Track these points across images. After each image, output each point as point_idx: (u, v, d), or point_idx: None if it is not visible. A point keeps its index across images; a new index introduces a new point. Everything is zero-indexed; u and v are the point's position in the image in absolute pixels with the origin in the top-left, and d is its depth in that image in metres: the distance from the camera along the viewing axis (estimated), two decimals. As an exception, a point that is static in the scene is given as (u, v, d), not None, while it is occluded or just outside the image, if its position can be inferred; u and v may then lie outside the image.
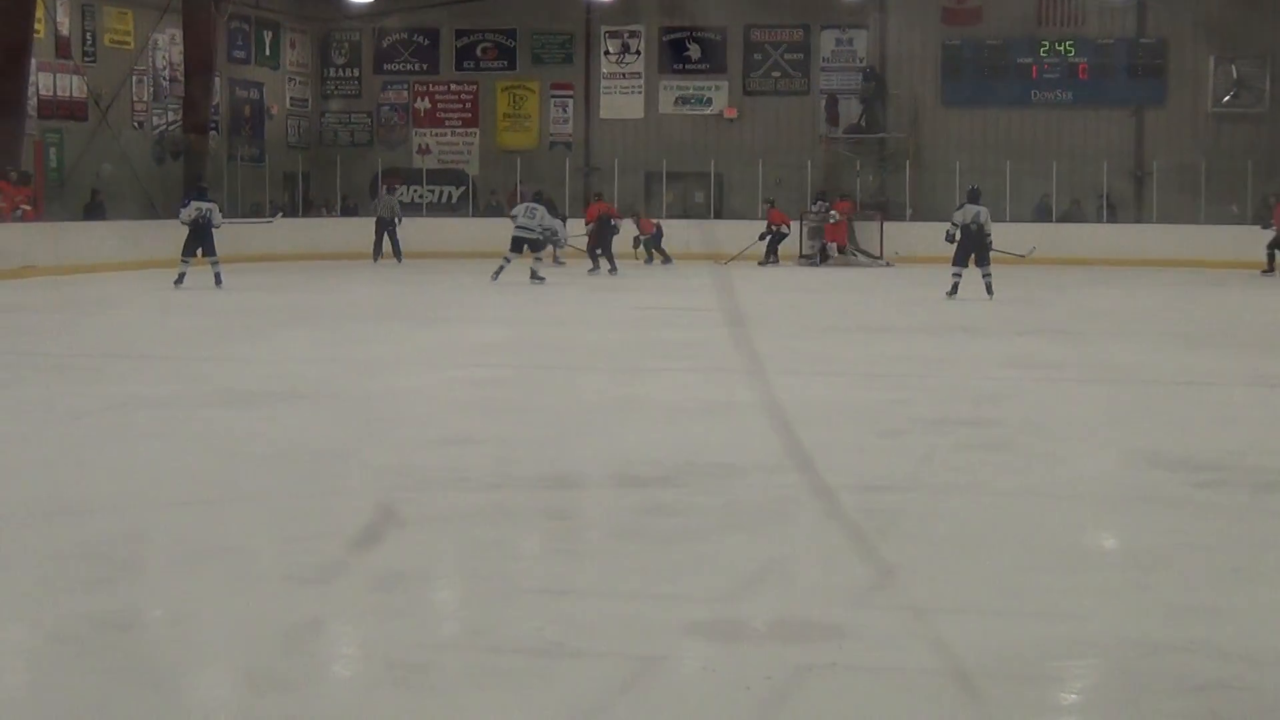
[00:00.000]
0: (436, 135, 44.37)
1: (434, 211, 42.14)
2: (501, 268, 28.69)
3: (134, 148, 36.59)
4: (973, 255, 24.78)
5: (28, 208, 28.82)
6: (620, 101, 43.40)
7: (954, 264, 25.02)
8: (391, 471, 10.03)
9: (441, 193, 43.09)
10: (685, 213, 40.58)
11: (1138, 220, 39.42)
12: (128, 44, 36.76)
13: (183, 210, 27.23)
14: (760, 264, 35.82)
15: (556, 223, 29.57)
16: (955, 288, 24.77)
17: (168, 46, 38.13)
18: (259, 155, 41.55)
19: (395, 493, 9.36)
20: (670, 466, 10.05)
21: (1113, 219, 39.36)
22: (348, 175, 41.43)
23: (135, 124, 37.37)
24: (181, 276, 26.22)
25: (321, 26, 44.55)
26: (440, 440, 11.27)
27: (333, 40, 44.88)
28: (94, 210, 34.42)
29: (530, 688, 5.74)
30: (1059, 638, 6.41)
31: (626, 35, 43.28)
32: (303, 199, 41.50)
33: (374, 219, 36.51)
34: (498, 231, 38.09)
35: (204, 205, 26.69)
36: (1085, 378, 15.61)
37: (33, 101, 32.78)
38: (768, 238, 36.45)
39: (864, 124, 41.75)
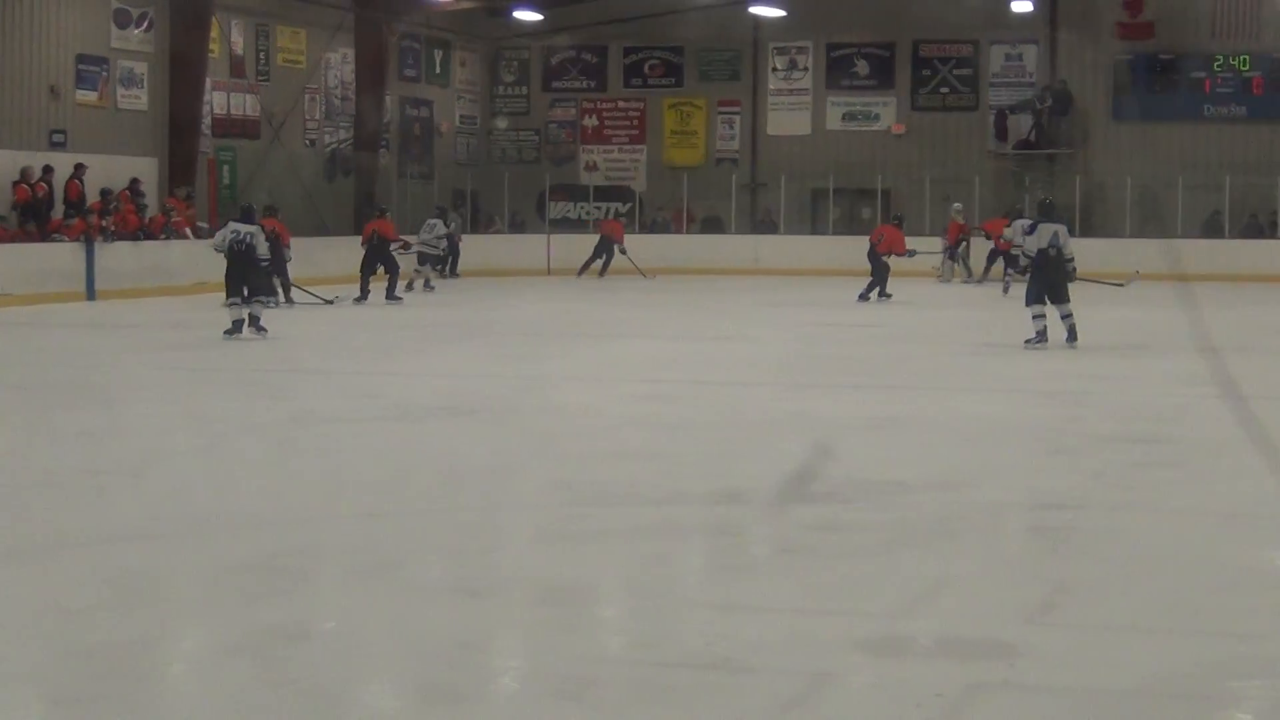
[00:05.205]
0: (604, 152, 44.54)
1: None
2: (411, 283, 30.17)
3: (305, 165, 37.05)
4: (1050, 289, 19.02)
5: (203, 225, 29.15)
6: (787, 118, 43.28)
7: (1030, 302, 19.17)
8: (561, 486, 10.06)
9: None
10: (851, 229, 40.33)
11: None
12: (300, 63, 37.22)
13: (216, 234, 21.45)
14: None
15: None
16: (1042, 334, 18.85)
17: (339, 65, 38.58)
18: (429, 172, 41.94)
19: (564, 508, 9.39)
20: (839, 483, 10.01)
21: (1288, 235, 38.64)
22: (516, 192, 41.62)
23: (307, 142, 37.84)
24: (237, 325, 19.99)
25: (491, 45, 44.85)
26: (609, 455, 11.31)
27: (502, 58, 45.18)
28: (266, 228, 34.81)
29: (698, 703, 5.73)
30: (1235, 657, 6.31)
31: (794, 51, 43.17)
32: (471, 215, 41.70)
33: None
34: (663, 249, 38.38)
35: (243, 229, 20.26)
36: (1264, 394, 15.29)
37: (207, 120, 33.38)
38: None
39: (1034, 139, 41.36)
